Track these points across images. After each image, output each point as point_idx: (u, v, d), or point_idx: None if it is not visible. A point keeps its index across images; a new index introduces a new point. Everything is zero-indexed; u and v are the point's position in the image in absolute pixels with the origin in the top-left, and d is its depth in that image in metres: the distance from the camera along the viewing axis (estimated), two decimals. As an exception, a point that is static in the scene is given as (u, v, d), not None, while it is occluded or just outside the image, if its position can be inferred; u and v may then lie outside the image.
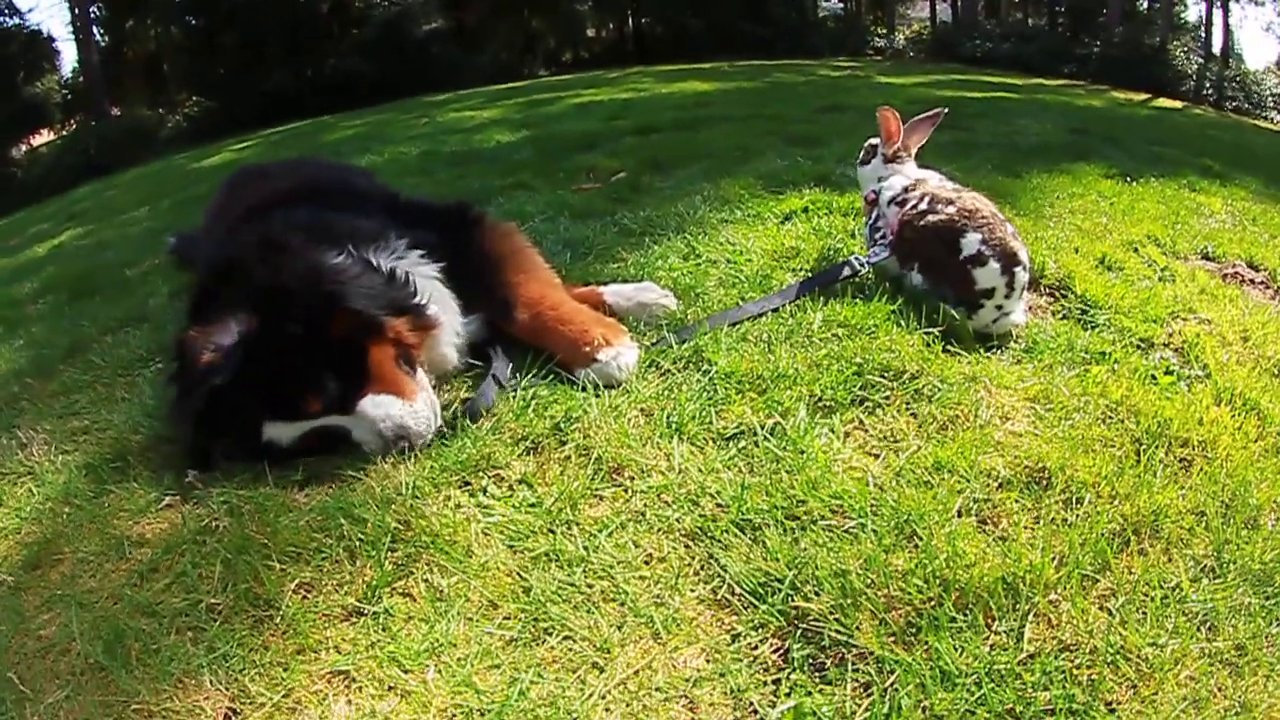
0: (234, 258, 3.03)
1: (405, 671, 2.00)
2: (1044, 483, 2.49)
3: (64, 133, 31.74)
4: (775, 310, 3.43)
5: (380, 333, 2.81)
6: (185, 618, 2.19)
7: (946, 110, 4.08)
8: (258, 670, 2.03)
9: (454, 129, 11.24)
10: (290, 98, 24.23)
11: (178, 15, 31.60)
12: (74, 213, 12.00)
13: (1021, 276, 3.36)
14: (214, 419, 2.77)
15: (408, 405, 2.71)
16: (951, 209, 3.45)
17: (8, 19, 31.06)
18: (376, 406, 2.68)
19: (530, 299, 3.29)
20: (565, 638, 2.05)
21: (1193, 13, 35.60)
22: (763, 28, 28.61)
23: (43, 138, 32.48)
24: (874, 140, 4.06)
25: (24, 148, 31.42)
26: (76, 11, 30.91)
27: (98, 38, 32.43)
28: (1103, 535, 2.26)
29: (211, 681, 2.01)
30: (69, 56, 45.77)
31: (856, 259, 3.64)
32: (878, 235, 3.76)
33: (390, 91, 21.40)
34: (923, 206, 3.54)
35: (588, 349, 3.07)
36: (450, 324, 3.10)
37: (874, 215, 3.86)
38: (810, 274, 3.84)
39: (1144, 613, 2.07)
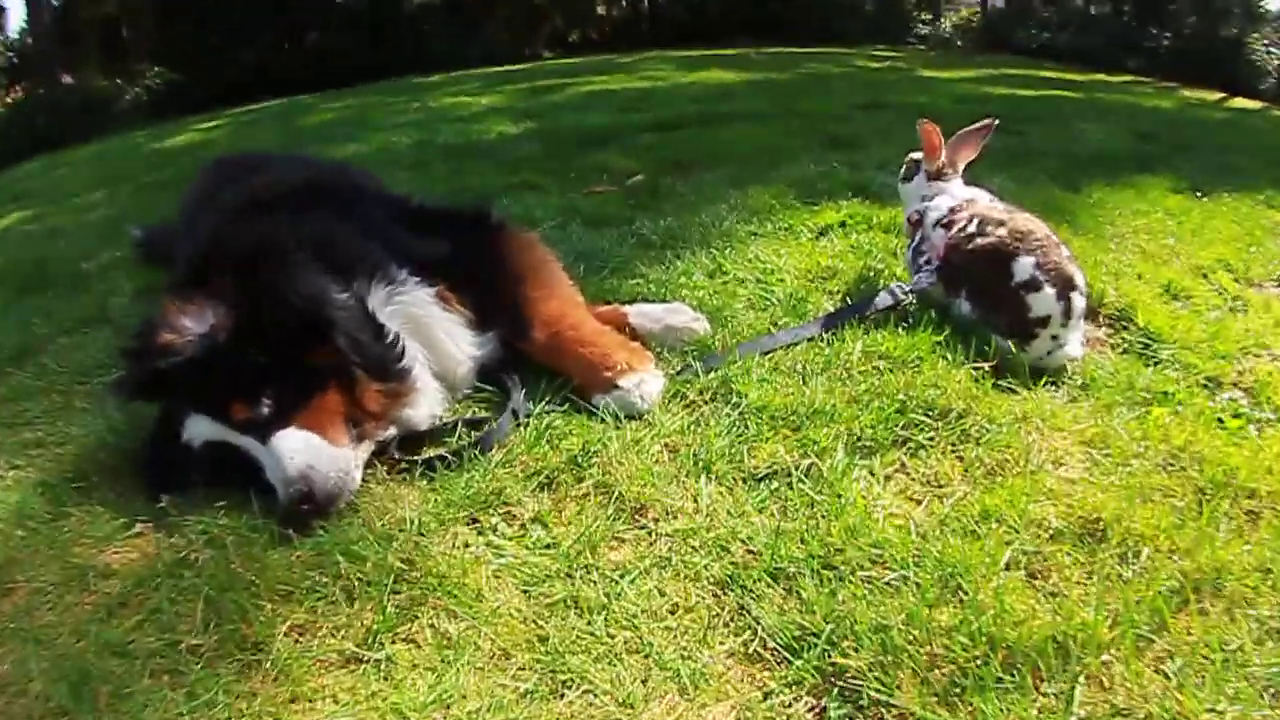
0: (239, 251, 3.07)
1: (410, 725, 2.03)
2: (1098, 535, 2.51)
3: (9, 100, 31.44)
4: (810, 339, 3.48)
5: (348, 385, 2.86)
6: (162, 659, 2.19)
7: (998, 122, 4.12)
8: (245, 720, 2.06)
9: (449, 116, 11.22)
10: (264, 73, 23.94)
11: (140, -26, 31.21)
12: (19, 192, 11.82)
13: (1078, 303, 3.40)
14: (150, 395, 2.90)
15: (327, 446, 2.71)
16: (1002, 231, 3.50)
17: (-58, -27, 30.83)
18: (292, 438, 2.67)
19: (549, 317, 3.35)
20: (585, 691, 2.08)
21: (1274, 2, 35.36)
22: (792, 10, 28.42)
23: None
24: (916, 155, 4.12)
25: (-40, 115, 31.02)
26: (26, -35, 30.62)
27: (50, -3, 32.07)
28: (1160, 593, 2.27)
29: (192, 732, 2.03)
30: (16, 15, 45.24)
31: (899, 286, 3.70)
32: (921, 260, 3.81)
33: (376, 71, 21.30)
34: (971, 229, 3.59)
35: (609, 374, 3.12)
36: (428, 388, 3.12)
37: (917, 238, 3.92)
38: (848, 299, 3.91)
39: (1203, 677, 2.07)
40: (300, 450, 2.64)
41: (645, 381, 3.13)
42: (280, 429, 2.69)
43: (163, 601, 2.35)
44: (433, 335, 3.22)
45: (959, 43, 28.27)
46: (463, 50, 24.79)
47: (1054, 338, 3.40)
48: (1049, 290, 3.37)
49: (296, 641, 2.24)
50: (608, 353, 3.19)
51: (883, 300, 3.66)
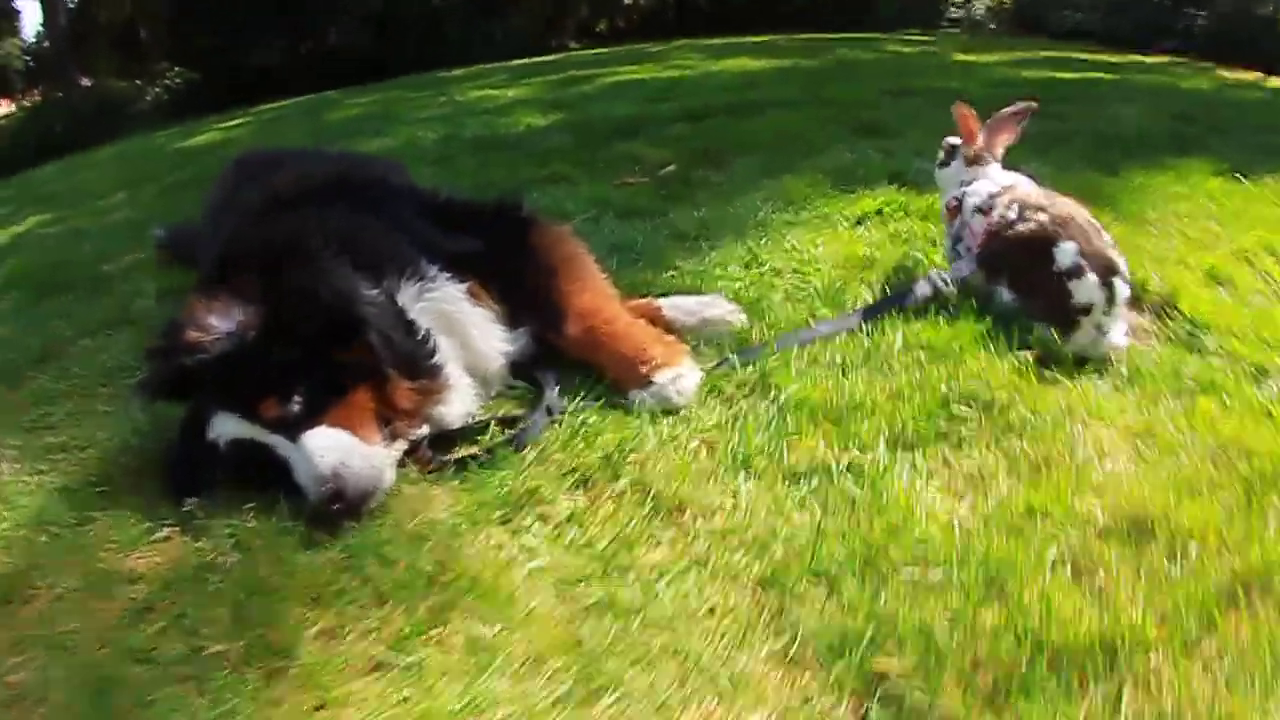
0: (265, 249, 3.07)
1: (442, 732, 2.01)
2: (1146, 531, 2.48)
3: (26, 103, 31.44)
4: (850, 331, 3.46)
5: (380, 383, 2.84)
6: (186, 666, 2.19)
7: (1036, 105, 4.08)
8: (272, 728, 2.04)
9: (475, 109, 11.16)
10: (286, 72, 24.01)
11: (156, -26, 31.16)
12: (40, 195, 11.67)
13: (1121, 289, 3.37)
14: (176, 393, 2.89)
15: (359, 444, 2.70)
16: (1043, 216, 3.46)
17: (-46, -26, 30.81)
18: (323, 436, 2.66)
19: (583, 310, 3.34)
20: (621, 697, 2.06)
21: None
22: (821, -6, 28.38)
23: (2, 109, 32.18)
24: (953, 139, 4.08)
25: (-22, 120, 30.94)
26: (41, -33, 30.55)
27: (66, -2, 31.97)
28: (1209, 592, 2.26)
29: (217, 740, 2.01)
30: (32, 18, 45.25)
31: (939, 275, 3.67)
32: (961, 247, 3.78)
33: (399, 67, 21.32)
34: (1011, 215, 3.55)
35: (644, 369, 3.11)
36: (460, 385, 3.12)
37: (956, 225, 3.88)
38: (887, 289, 3.88)
39: (1253, 679, 2.06)
40: (331, 448, 2.62)
41: (681, 376, 3.12)
42: (310, 427, 2.67)
43: (188, 607, 2.35)
44: (464, 331, 3.21)
45: (991, 26, 28.14)
46: (487, 43, 24.77)
47: (1097, 326, 3.36)
48: (1091, 277, 3.33)
49: (324, 646, 2.24)
50: (643, 347, 3.18)
51: (922, 290, 3.62)
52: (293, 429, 2.68)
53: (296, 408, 2.70)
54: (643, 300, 3.68)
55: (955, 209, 3.90)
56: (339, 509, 2.58)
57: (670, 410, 3.05)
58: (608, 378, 3.20)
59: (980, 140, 3.96)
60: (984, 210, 3.71)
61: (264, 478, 2.72)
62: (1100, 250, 3.38)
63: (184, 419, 2.93)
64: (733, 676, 2.10)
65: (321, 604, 2.34)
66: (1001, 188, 3.77)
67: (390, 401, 2.86)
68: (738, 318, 3.59)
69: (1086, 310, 3.34)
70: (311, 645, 2.22)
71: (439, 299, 3.18)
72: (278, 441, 2.69)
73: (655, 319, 3.52)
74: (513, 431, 2.99)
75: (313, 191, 3.71)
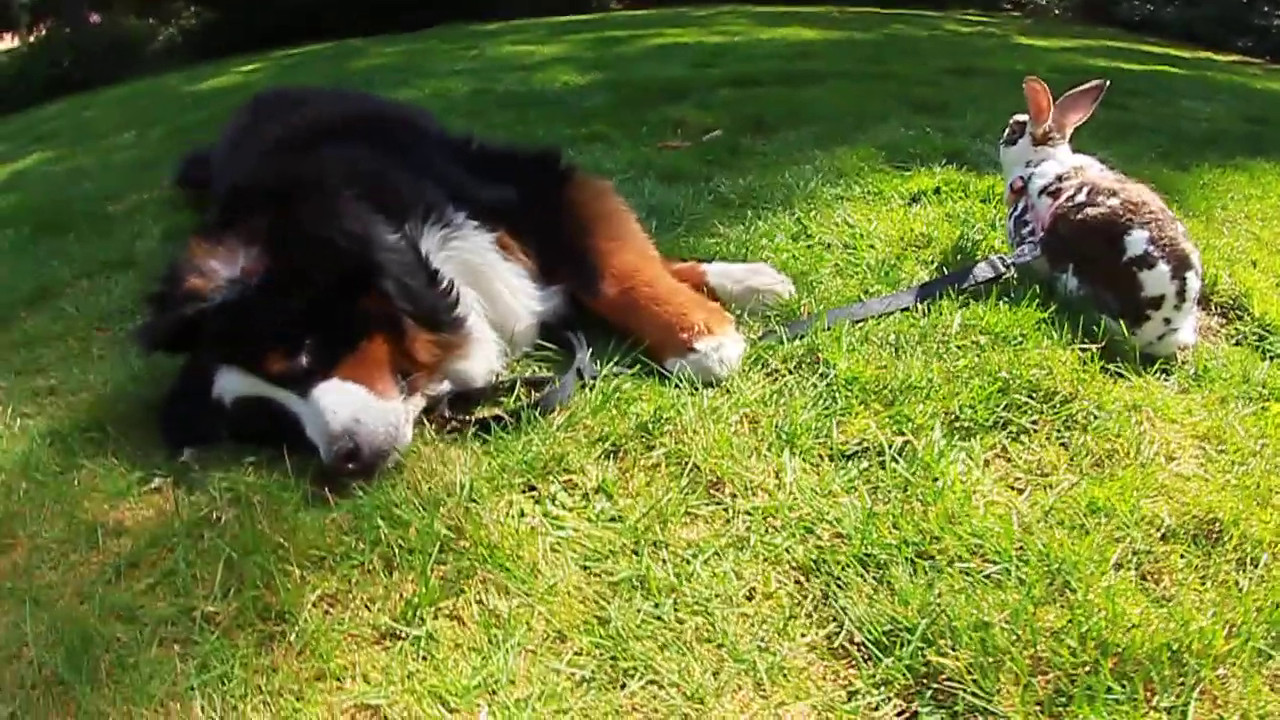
0: (274, 188, 3.03)
1: (451, 711, 1.97)
2: (1214, 537, 2.43)
3: (32, 40, 31.38)
4: (904, 309, 3.42)
5: (396, 334, 2.81)
6: (173, 626, 2.17)
7: (1109, 82, 4.00)
8: (263, 698, 2.00)
9: (509, 65, 11.19)
10: (311, 14, 23.90)
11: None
12: (42, 133, 11.91)
13: (1193, 284, 3.29)
14: (176, 346, 2.86)
15: (374, 398, 2.66)
16: (1114, 201, 3.40)
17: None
18: (335, 390, 2.62)
19: (621, 270, 3.30)
20: (649, 682, 2.02)
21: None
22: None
23: (6, 44, 32.16)
24: (1021, 116, 4.02)
25: (-20, 55, 30.81)
26: (52, -105, 30.42)
27: (76, -72, 31.77)
28: None
29: (204, 707, 1.97)
30: None
31: (999, 258, 3.63)
32: (1025, 230, 3.73)
33: (429, 17, 21.28)
34: (1080, 198, 3.50)
35: (685, 335, 3.06)
36: (485, 339, 3.08)
37: (1020, 206, 3.84)
38: (944, 269, 3.84)
39: None
40: (345, 403, 2.59)
41: (724, 345, 3.07)
42: (322, 380, 2.64)
43: (178, 563, 2.34)
44: (491, 286, 3.18)
45: (1056, 11, 28.01)
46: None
47: (1166, 320, 3.29)
48: (1163, 268, 3.26)
49: (326, 613, 2.22)
50: (684, 312, 3.13)
51: (982, 272, 3.59)
52: (303, 383, 2.64)
53: (306, 360, 2.66)
54: (686, 264, 3.64)
55: (1020, 189, 3.86)
56: (354, 468, 2.55)
57: (711, 381, 3.01)
58: (645, 343, 3.16)
59: (1050, 118, 3.90)
60: (1051, 192, 3.66)
61: (275, 436, 2.68)
62: (1174, 240, 3.31)
63: (184, 365, 2.91)
64: (771, 666, 2.05)
65: (325, 567, 2.31)
66: (1070, 169, 3.72)
67: (408, 353, 2.83)
68: (786, 288, 3.54)
69: (1156, 303, 3.27)
70: (312, 611, 2.19)
71: (465, 249, 3.15)
72: (286, 397, 2.66)
73: (699, 285, 3.48)
74: (540, 394, 2.95)
75: (334, 129, 3.71)
